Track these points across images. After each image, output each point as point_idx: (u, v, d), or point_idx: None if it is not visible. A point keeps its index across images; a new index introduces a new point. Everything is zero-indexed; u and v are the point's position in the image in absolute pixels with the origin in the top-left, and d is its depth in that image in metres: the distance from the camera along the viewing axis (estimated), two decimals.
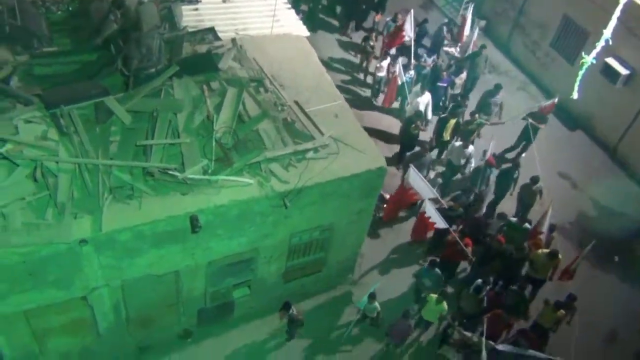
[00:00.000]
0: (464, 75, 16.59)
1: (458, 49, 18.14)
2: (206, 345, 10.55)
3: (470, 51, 17.13)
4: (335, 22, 19.44)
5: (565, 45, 17.30)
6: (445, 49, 17.92)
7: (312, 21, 18.11)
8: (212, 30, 11.55)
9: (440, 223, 11.07)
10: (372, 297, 10.65)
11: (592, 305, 12.09)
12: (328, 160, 9.60)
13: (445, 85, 16.02)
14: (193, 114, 9.61)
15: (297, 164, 9.44)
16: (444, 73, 16.00)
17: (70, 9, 11.30)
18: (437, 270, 11.25)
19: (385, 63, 16.14)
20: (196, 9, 12.25)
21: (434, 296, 10.75)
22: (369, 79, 17.24)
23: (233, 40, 11.33)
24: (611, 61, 15.51)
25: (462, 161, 13.82)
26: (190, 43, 11.05)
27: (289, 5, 13.39)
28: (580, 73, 13.59)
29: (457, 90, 16.86)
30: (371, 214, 11.06)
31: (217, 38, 11.43)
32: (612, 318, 12.36)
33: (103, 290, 8.71)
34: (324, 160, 9.59)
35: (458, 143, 13.74)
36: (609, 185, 15.39)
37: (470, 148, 13.71)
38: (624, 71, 15.31)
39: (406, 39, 16.04)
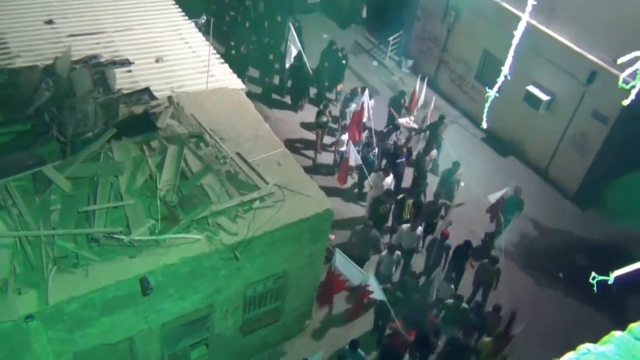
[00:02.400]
0: (434, 152, 15.73)
1: (412, 118, 17.34)
2: None
3: (427, 120, 16.71)
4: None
5: (488, 77, 18.26)
6: (400, 120, 16.98)
7: (266, 100, 18.16)
8: (147, 90, 11.61)
9: (379, 295, 10.61)
10: None
11: (547, 322, 12.48)
12: (275, 208, 9.69)
13: (403, 160, 15.34)
14: (135, 175, 9.54)
15: (244, 214, 9.47)
16: (403, 149, 15.35)
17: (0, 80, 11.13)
18: (360, 352, 10.38)
19: (345, 137, 15.44)
20: (129, 71, 12.30)
21: None
22: (327, 157, 16.54)
23: (169, 98, 11.40)
24: (532, 88, 16.47)
25: (414, 244, 13.04)
26: (126, 105, 11.05)
27: (222, 60, 13.64)
28: (487, 105, 14.50)
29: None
30: (323, 256, 11.14)
31: (153, 97, 11.49)
32: (568, 333, 12.75)
33: None
34: (271, 209, 9.66)
35: (406, 226, 12.95)
36: (546, 205, 16.13)
37: (419, 230, 12.98)
38: (544, 97, 16.28)
39: (365, 120, 15.56)
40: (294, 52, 17.12)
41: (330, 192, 12.28)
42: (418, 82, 17.12)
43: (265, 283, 10.32)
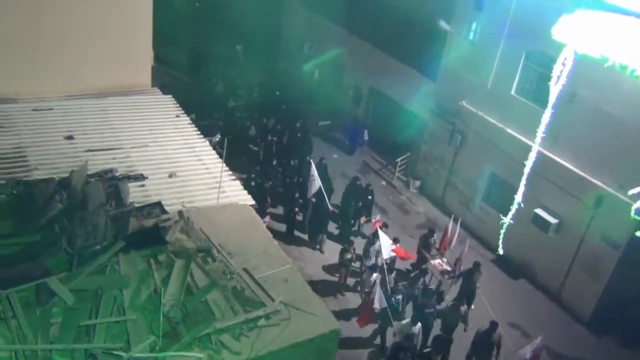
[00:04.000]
0: (464, 308, 14.88)
1: (445, 260, 16.56)
2: None
3: (462, 262, 16.04)
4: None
5: (496, 199, 18.46)
6: (432, 262, 16.32)
7: (289, 237, 17.90)
8: (158, 204, 11.78)
9: None
10: None
11: None
12: (280, 326, 9.42)
13: (432, 311, 14.42)
14: (140, 289, 9.42)
15: (248, 332, 9.19)
16: (432, 301, 14.51)
17: (15, 192, 11.37)
18: None
19: (373, 277, 14.98)
20: (143, 185, 12.56)
21: None
22: (351, 295, 16.04)
23: (180, 212, 11.53)
24: (540, 211, 16.59)
25: None
26: (137, 218, 11.16)
27: (234, 177, 13.95)
28: (502, 232, 14.63)
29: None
30: None
31: (164, 211, 11.62)
32: None
33: None
34: (276, 327, 9.39)
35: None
36: (559, 330, 15.60)
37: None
38: (552, 220, 16.34)
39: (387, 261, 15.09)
40: (315, 187, 17.08)
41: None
42: (451, 222, 16.72)
43: None
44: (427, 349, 13.40)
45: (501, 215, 16.20)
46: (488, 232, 18.63)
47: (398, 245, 15.80)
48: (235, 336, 9.09)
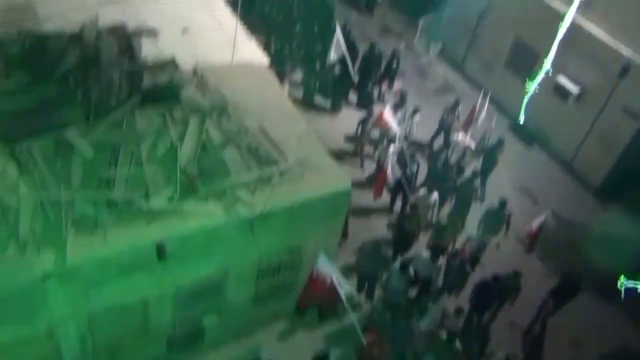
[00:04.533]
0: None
1: (469, 134, 15.95)
2: None
3: (487, 138, 15.76)
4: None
5: (518, 66, 17.93)
6: (460, 137, 15.76)
7: (308, 100, 17.36)
8: (172, 61, 11.62)
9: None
10: None
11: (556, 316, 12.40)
12: (294, 183, 9.70)
13: (449, 185, 14.26)
14: (156, 144, 9.62)
15: (263, 189, 9.50)
16: (450, 174, 14.33)
17: (27, 45, 11.23)
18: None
19: (391, 149, 14.02)
20: (155, 41, 12.31)
21: None
22: (368, 166, 15.61)
23: (194, 70, 11.41)
24: (562, 80, 16.16)
25: (431, 275, 12.46)
26: (150, 74, 11.08)
27: (248, 36, 13.58)
28: (525, 99, 14.26)
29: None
30: (339, 233, 11.14)
31: (178, 69, 11.50)
32: (575, 327, 12.69)
33: (68, 324, 8.53)
34: (290, 184, 9.68)
35: (426, 253, 12.68)
36: (567, 198, 15.89)
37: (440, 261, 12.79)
38: (574, 89, 15.97)
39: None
40: (338, 52, 16.07)
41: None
42: (480, 97, 16.06)
43: (279, 256, 10.37)
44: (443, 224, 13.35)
45: (526, 81, 15.86)
46: (506, 98, 18.35)
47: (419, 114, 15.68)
48: (250, 191, 9.41)
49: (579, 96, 16.11)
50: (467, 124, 16.09)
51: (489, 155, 15.20)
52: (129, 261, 8.29)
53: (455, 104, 16.18)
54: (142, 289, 8.88)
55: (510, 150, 16.28)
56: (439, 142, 16.52)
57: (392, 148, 14.02)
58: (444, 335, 11.75)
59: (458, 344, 11.79)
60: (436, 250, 13.10)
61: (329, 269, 9.93)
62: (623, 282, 6.77)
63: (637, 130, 15.16)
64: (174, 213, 8.70)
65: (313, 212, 9.95)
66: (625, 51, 14.84)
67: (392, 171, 13.74)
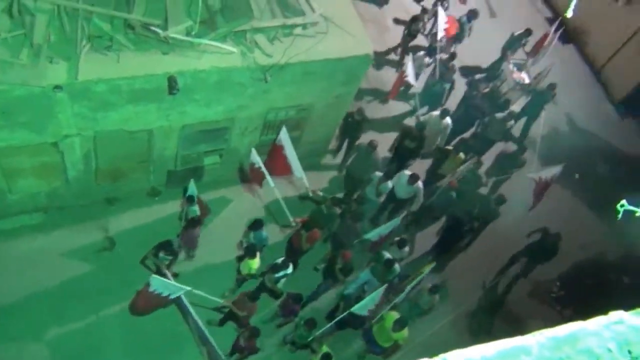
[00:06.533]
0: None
1: (528, 72, 14.05)
2: (171, 206, 10.80)
3: (543, 78, 13.75)
4: None
5: None
6: (512, 73, 13.78)
7: None
8: None
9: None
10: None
11: (543, 213, 12.51)
12: (315, 39, 9.39)
13: (481, 116, 12.87)
14: None
15: (283, 38, 9.21)
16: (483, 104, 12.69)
17: None
18: (263, 232, 9.62)
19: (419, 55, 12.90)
20: None
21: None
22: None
23: None
24: None
25: (409, 195, 11.13)
26: None
27: None
28: None
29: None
30: (350, 100, 11.02)
31: None
32: (559, 228, 13.02)
33: (75, 139, 8.71)
34: (311, 39, 9.37)
35: (407, 172, 10.98)
36: (587, 104, 15.58)
37: (419, 184, 10.91)
38: None
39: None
40: None
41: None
42: (553, 28, 14.07)
43: (288, 111, 10.36)
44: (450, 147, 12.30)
45: None
46: None
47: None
48: (270, 39, 9.14)
49: None
50: (534, 53, 14.30)
51: (536, 98, 13.51)
52: (139, 89, 8.25)
53: (526, 32, 14.11)
54: (149, 120, 8.96)
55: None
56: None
57: (427, 60, 12.88)
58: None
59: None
60: (430, 177, 12.10)
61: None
62: (624, 204, 6.89)
63: None
64: (190, 47, 8.51)
65: (329, 73, 9.76)
66: None
67: (412, 74, 12.08)
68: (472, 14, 13.91)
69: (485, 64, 14.82)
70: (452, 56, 13.16)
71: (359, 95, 12.17)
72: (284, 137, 9.67)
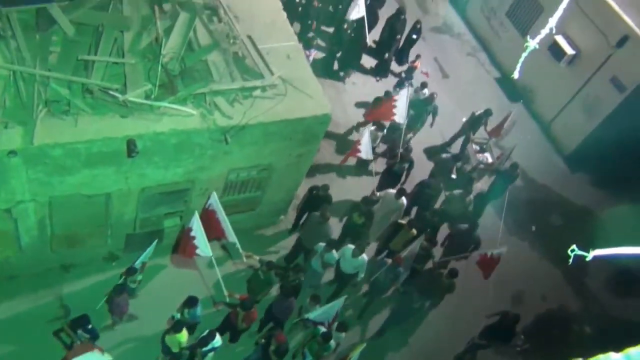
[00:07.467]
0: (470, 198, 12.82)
1: (491, 155, 14.83)
2: None
3: (504, 161, 14.20)
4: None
5: (520, 17, 17.57)
6: (479, 155, 14.54)
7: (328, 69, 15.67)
8: None
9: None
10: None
11: (504, 269, 12.73)
12: (274, 100, 9.55)
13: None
14: (141, 35, 9.26)
15: (242, 100, 9.34)
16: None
17: None
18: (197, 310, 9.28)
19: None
20: None
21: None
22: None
23: None
24: (560, 39, 15.93)
25: (355, 270, 10.80)
26: None
27: None
28: (523, 55, 13.86)
29: None
30: (311, 160, 11.15)
31: None
32: (520, 281, 13.23)
33: (29, 205, 8.49)
34: (270, 101, 9.53)
35: (351, 246, 10.63)
36: (538, 158, 16.13)
37: (364, 256, 10.61)
38: (570, 51, 15.79)
39: (396, 118, 12.74)
40: (355, 13, 14.32)
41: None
42: (514, 110, 14.80)
43: (249, 171, 10.38)
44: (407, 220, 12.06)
45: (526, 37, 15.37)
46: (500, 49, 18.13)
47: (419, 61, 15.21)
48: (230, 101, 9.25)
49: (573, 59, 15.98)
50: (495, 133, 14.73)
51: (501, 179, 13.64)
52: (98, 152, 8.16)
53: (486, 113, 14.51)
54: (107, 183, 8.83)
55: (494, 104, 16.12)
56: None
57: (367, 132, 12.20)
58: None
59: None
60: (381, 251, 12.04)
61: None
62: (574, 249, 7.12)
63: (620, 104, 15.25)
64: (150, 110, 8.53)
65: (289, 133, 9.88)
66: (629, 21, 14.65)
67: (365, 150, 11.98)
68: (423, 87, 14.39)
69: (439, 125, 15.18)
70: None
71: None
72: (214, 201, 9.34)
